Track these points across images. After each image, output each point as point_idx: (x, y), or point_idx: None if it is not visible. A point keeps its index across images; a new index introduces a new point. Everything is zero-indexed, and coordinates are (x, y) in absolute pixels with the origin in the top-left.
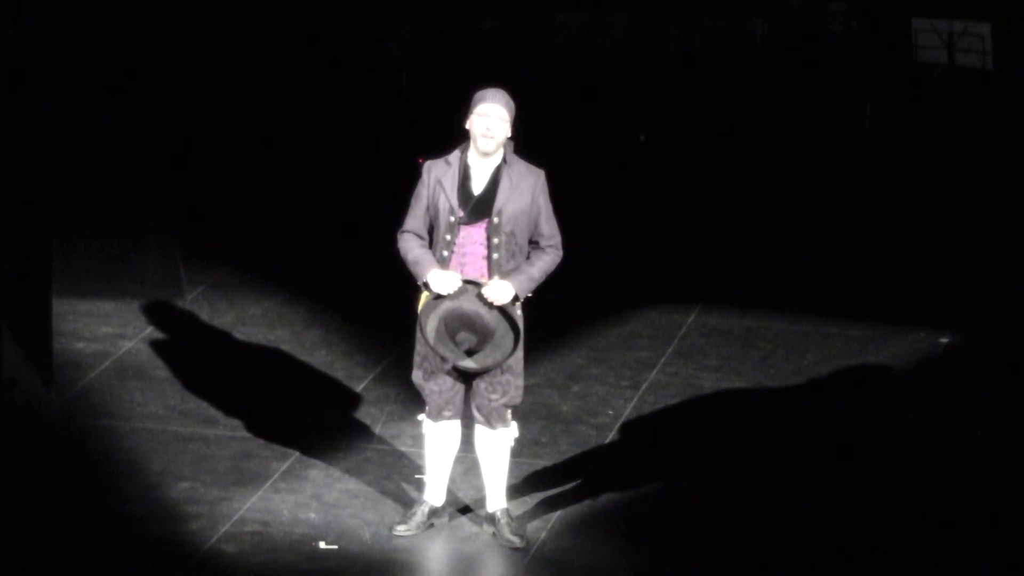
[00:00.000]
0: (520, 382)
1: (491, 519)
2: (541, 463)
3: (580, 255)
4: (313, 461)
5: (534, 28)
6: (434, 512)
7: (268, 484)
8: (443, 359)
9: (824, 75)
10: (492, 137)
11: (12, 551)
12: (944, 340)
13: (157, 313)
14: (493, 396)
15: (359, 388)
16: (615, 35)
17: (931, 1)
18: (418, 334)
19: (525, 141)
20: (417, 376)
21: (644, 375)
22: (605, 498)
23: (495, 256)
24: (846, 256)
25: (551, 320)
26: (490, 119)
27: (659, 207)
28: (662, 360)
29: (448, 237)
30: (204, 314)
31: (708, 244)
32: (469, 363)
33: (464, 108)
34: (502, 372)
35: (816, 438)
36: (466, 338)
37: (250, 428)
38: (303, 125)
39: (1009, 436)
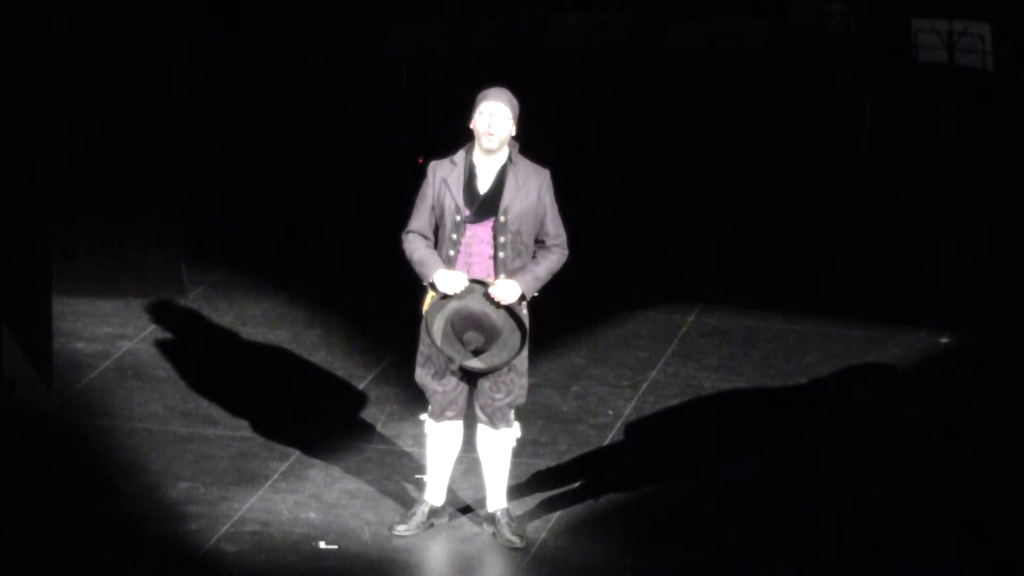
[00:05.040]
0: (525, 382)
1: (491, 519)
2: (541, 463)
3: (580, 255)
4: (313, 461)
5: (534, 28)
6: (434, 512)
7: (268, 484)
8: (450, 359)
9: (824, 75)
10: (494, 135)
11: (12, 551)
12: (944, 340)
13: (157, 313)
14: (497, 395)
15: (359, 388)
16: (615, 35)
17: (931, 1)
18: (423, 334)
19: (525, 141)
20: (420, 375)
21: (644, 375)
22: (605, 498)
23: (501, 255)
24: (846, 256)
25: (551, 320)
26: (492, 117)
27: (659, 207)
28: (662, 360)
29: (454, 236)
30: (204, 314)
31: (708, 244)
32: (476, 363)
33: (465, 108)
34: (507, 371)
35: (816, 438)
36: (473, 338)
37: (250, 428)
38: (303, 125)
39: (1009, 435)
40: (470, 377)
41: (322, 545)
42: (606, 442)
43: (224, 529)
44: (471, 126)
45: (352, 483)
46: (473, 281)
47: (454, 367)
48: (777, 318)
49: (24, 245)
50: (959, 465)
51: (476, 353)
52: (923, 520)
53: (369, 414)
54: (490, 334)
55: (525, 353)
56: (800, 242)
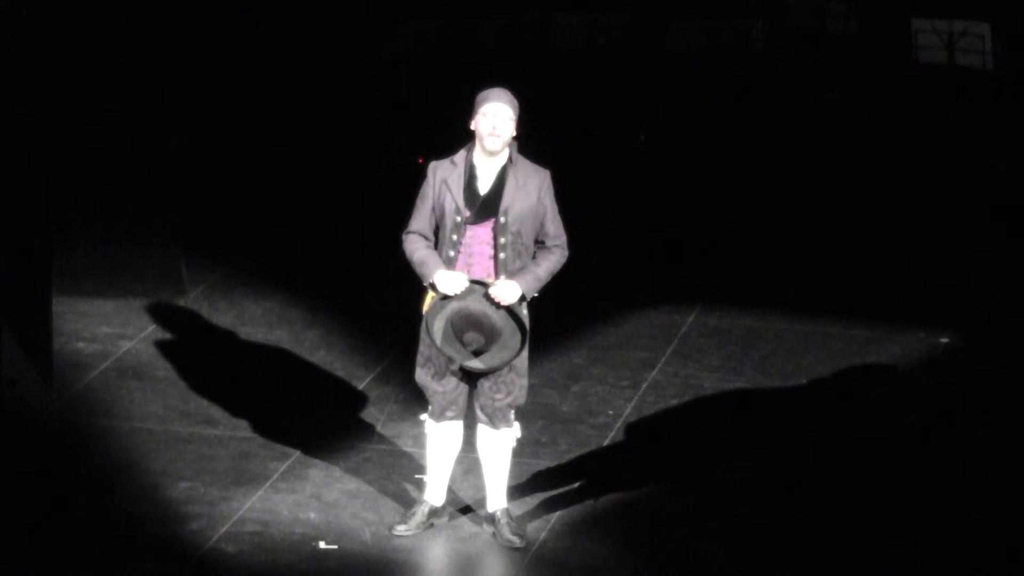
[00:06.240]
0: (525, 382)
1: (491, 519)
2: (541, 463)
3: (580, 255)
4: (313, 461)
5: (534, 28)
6: (434, 512)
7: (268, 484)
8: (450, 360)
9: (824, 75)
10: (498, 136)
11: (12, 551)
12: (944, 340)
13: (157, 313)
14: (498, 396)
15: (359, 388)
16: (615, 35)
17: (931, 1)
18: (423, 334)
19: (525, 141)
20: (420, 376)
21: (644, 375)
22: (605, 498)
23: (501, 256)
24: (846, 256)
25: (551, 320)
26: (496, 118)
27: (659, 207)
28: (662, 360)
29: (454, 237)
30: (204, 314)
31: (708, 244)
32: (476, 363)
33: (465, 108)
34: (507, 371)
35: (816, 438)
36: (473, 338)
37: (250, 428)
38: (304, 125)
39: (1009, 436)
40: (470, 377)
41: (322, 545)
42: (606, 442)
43: (224, 529)
44: (472, 127)
45: (352, 483)
46: (473, 282)
47: (454, 367)
48: (777, 318)
49: (24, 245)
50: (959, 465)
51: (476, 354)
52: (923, 520)
53: (369, 414)
54: (490, 335)
55: (525, 353)
56: (800, 242)
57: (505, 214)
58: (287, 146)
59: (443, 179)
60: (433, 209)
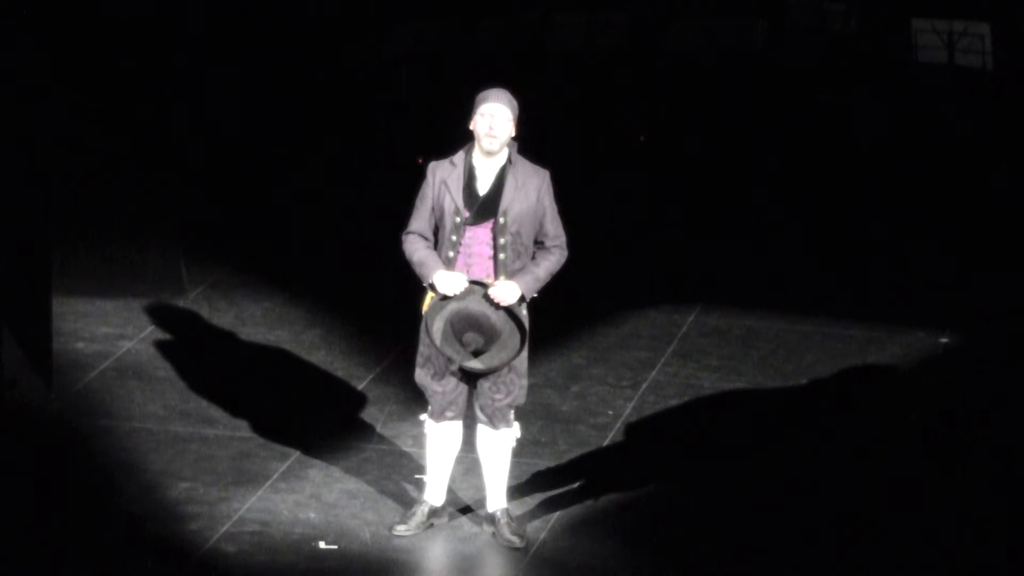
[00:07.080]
0: (525, 382)
1: (491, 519)
2: (541, 463)
3: (580, 255)
4: (313, 461)
5: (534, 28)
6: (434, 512)
7: (268, 484)
8: (449, 360)
9: (824, 75)
10: (496, 137)
11: (12, 551)
12: (944, 340)
13: (157, 313)
14: (497, 396)
15: (359, 388)
16: (615, 35)
17: (931, 1)
18: (423, 334)
19: (525, 141)
20: (420, 376)
21: (644, 375)
22: (605, 498)
23: (501, 256)
24: (846, 256)
25: (551, 320)
26: (494, 119)
27: (659, 207)
28: (662, 360)
29: (454, 238)
30: (204, 314)
31: (708, 244)
32: (475, 364)
33: (465, 108)
34: (507, 372)
35: (816, 438)
36: (473, 339)
37: (250, 428)
38: (304, 125)
39: (1009, 436)
40: (470, 377)
41: (322, 545)
42: (606, 442)
43: (224, 529)
44: (471, 127)
45: (352, 483)
46: (473, 282)
47: (454, 368)
48: (777, 318)
49: (24, 245)
50: (959, 465)
51: (476, 354)
52: (923, 520)
53: (369, 414)
54: (490, 335)
55: (525, 354)
56: (800, 242)
57: (504, 215)
58: (287, 146)
59: (442, 179)
60: (432, 210)
